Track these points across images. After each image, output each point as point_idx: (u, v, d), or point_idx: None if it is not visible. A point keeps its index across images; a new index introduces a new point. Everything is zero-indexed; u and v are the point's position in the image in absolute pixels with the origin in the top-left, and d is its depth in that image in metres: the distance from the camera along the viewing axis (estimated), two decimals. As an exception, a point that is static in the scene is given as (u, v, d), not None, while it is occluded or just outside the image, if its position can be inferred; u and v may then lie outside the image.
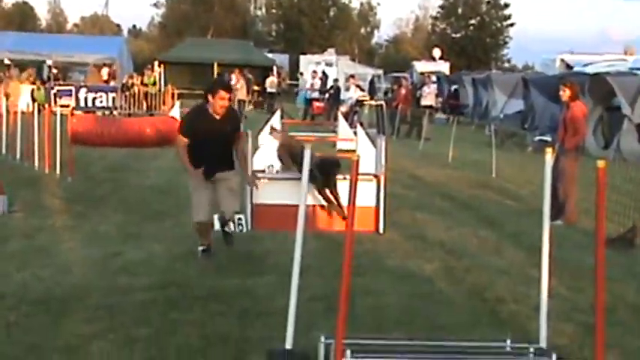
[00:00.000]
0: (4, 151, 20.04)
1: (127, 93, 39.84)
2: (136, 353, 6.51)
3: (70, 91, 37.40)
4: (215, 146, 9.64)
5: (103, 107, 36.81)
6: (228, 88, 10.14)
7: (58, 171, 16.57)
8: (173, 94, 39.81)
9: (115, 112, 35.84)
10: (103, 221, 12.13)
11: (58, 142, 16.91)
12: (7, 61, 44.53)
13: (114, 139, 23.53)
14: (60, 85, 39.66)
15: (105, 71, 42.97)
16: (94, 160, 19.87)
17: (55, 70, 46.03)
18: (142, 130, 24.93)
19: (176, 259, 9.85)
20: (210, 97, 9.62)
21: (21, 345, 6.57)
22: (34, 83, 38.89)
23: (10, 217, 12.18)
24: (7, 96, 29.56)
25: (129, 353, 6.51)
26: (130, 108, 38.17)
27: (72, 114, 19.76)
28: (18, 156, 18.95)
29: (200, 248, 9.95)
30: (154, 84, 41.15)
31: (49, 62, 47.03)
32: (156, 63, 47.87)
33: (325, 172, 11.48)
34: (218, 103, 9.58)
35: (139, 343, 6.75)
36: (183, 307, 7.83)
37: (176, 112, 29.78)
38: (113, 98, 37.26)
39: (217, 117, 9.61)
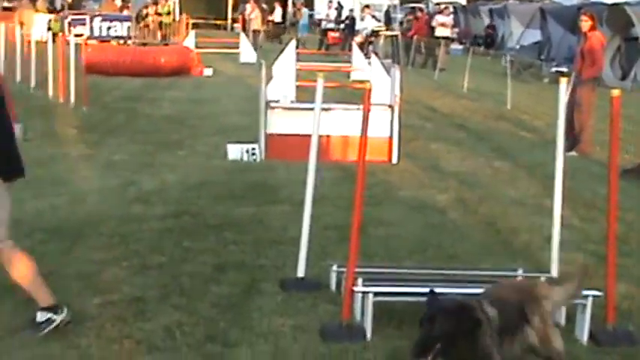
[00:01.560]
0: (18, 79, 20.01)
1: (142, 22, 39.63)
2: (150, 280, 6.56)
3: (84, 19, 37.13)
4: None
5: (117, 37, 36.61)
6: None
7: (72, 100, 16.55)
8: (187, 24, 39.59)
9: (129, 42, 35.65)
10: (117, 150, 12.15)
11: (73, 72, 16.86)
12: (21, -11, 44.24)
13: (128, 69, 23.57)
14: (74, 13, 39.43)
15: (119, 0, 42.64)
16: (109, 90, 19.84)
17: (69, -1, 45.75)
18: (157, 59, 24.95)
19: (190, 189, 9.87)
20: None
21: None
22: (51, 12, 38.67)
23: (25, 145, 12.19)
24: (21, 24, 29.42)
25: (143, 280, 6.56)
26: (144, 37, 37.99)
27: (86, 43, 19.68)
28: (32, 85, 18.92)
29: None
30: (169, 13, 40.89)
31: (63, -9, 46.71)
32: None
33: None
34: None
35: (152, 271, 6.80)
36: (197, 235, 7.87)
37: (190, 42, 29.75)
38: (128, 27, 37.03)
39: None
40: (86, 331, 5.55)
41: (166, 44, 34.29)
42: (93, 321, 5.73)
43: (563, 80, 6.49)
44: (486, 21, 43.78)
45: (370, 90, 5.94)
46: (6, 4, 42.89)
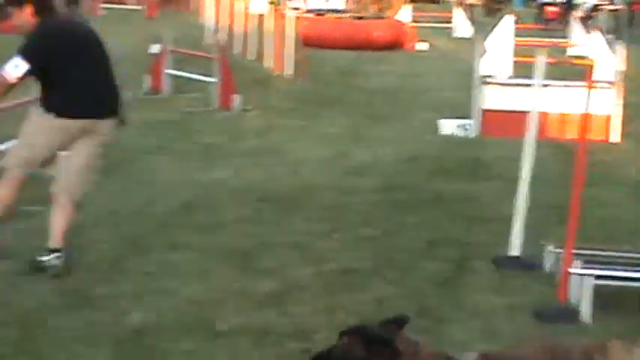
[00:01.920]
0: (236, 51, 20.60)
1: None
2: (362, 253, 6.61)
3: (306, -7, 37.74)
4: None
5: (333, 10, 37.01)
6: None
7: (288, 72, 16.89)
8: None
9: (344, 15, 35.98)
10: (331, 123, 12.31)
11: (290, 45, 17.17)
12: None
13: (342, 42, 23.78)
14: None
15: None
16: (323, 63, 20.07)
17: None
18: (370, 33, 25.06)
19: (402, 162, 9.88)
20: None
21: (253, 239, 6.82)
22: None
23: (244, 115, 12.57)
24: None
25: (355, 252, 6.62)
26: (359, 11, 38.22)
27: (302, 17, 19.99)
28: (250, 57, 19.41)
29: None
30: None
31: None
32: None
33: None
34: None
35: (365, 243, 6.85)
36: (409, 209, 7.85)
37: (406, 16, 29.69)
38: (344, 1, 37.35)
39: None
40: (299, 300, 5.66)
41: (380, 17, 34.37)
42: (306, 290, 5.83)
43: None
44: None
45: (592, 67, 5.71)
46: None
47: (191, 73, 14.01)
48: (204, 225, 7.13)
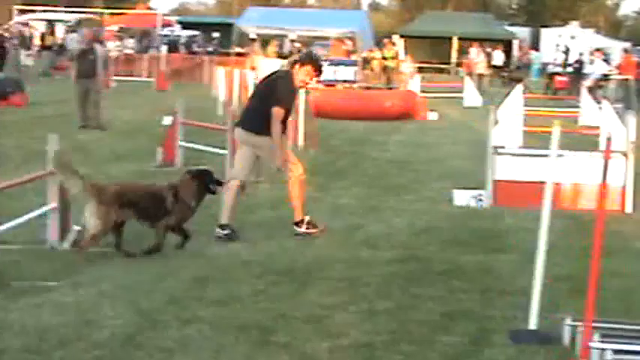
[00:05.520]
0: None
1: (368, 67, 40.24)
2: (378, 326, 6.55)
3: (312, 65, 38.04)
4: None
5: (344, 80, 37.30)
6: (319, 69, 9.73)
7: (300, 143, 16.96)
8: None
9: (354, 86, 36.27)
10: (344, 194, 12.32)
11: (301, 115, 17.27)
12: (253, 36, 45.96)
13: (354, 113, 23.93)
14: (302, 59, 40.49)
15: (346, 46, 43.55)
16: (335, 133, 20.21)
17: (297, 45, 47.16)
18: (382, 103, 25.23)
19: (416, 233, 9.86)
20: (298, 67, 9.48)
21: (268, 313, 6.77)
22: (280, 57, 39.95)
23: (256, 187, 12.57)
24: (252, 69, 30.58)
25: (371, 326, 6.56)
26: (368, 82, 38.55)
27: (314, 87, 20.14)
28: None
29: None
30: (394, 58, 41.32)
31: (292, 36, 48.22)
32: (396, 37, 48.02)
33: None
34: (301, 78, 9.49)
35: (380, 316, 6.79)
36: (425, 281, 7.81)
37: (415, 86, 29.93)
38: (355, 72, 37.68)
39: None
40: (316, 376, 5.60)
41: (391, 88, 34.63)
42: (323, 365, 5.78)
43: None
44: None
45: (610, 139, 5.70)
46: (239, 50, 44.73)
47: (203, 145, 14.08)
48: (218, 299, 7.09)
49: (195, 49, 49.47)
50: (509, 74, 43.63)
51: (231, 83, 24.54)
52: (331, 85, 32.54)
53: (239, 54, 43.30)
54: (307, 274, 7.99)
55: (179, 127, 14.31)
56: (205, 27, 55.95)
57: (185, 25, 56.58)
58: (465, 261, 8.62)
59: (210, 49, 49.28)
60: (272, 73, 9.86)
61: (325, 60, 38.37)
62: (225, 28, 52.92)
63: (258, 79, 23.30)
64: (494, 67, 45.63)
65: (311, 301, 7.15)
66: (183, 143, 14.31)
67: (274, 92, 9.27)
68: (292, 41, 47.80)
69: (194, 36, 52.99)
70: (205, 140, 14.31)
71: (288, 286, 7.56)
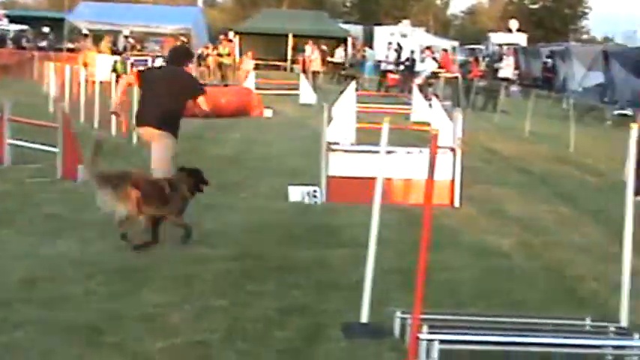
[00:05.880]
0: (82, 119, 20.25)
1: (202, 63, 40.07)
2: (213, 324, 6.53)
3: (147, 61, 37.69)
4: None
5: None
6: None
7: (135, 140, 16.69)
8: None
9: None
10: (179, 191, 12.18)
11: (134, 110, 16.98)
12: (85, 31, 45.03)
13: (189, 109, 23.69)
14: (136, 55, 40.03)
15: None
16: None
17: (131, 40, 46.50)
18: (217, 100, 25.10)
19: (251, 230, 9.88)
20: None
21: (100, 313, 6.64)
22: (114, 53, 39.30)
23: (89, 186, 12.29)
24: (85, 65, 29.95)
25: (206, 324, 6.54)
26: (204, 78, 38.39)
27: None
28: (95, 124, 19.13)
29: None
30: (229, 54, 41.28)
31: (126, 32, 47.52)
32: (231, 34, 47.96)
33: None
34: None
35: (215, 314, 6.78)
36: (259, 278, 7.84)
37: (250, 83, 29.97)
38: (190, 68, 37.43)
39: None
40: (149, 375, 5.53)
41: (226, 85, 34.57)
42: (156, 365, 5.71)
43: (634, 125, 6.38)
44: (546, 62, 43.46)
45: (437, 134, 5.86)
46: (69, 46, 43.74)
47: (34, 143, 13.64)
48: (48, 300, 6.90)
49: (25, 44, 47.98)
50: (344, 72, 44.37)
51: (62, 80, 23.91)
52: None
53: (71, 49, 42.29)
54: (141, 272, 7.88)
55: (6, 124, 13.78)
56: (36, 21, 54.35)
57: (13, 19, 54.71)
58: (299, 256, 8.70)
59: (43, 44, 47.90)
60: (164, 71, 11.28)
61: (159, 56, 38.09)
62: (57, 23, 51.66)
63: (91, 75, 22.93)
64: (335, 64, 46.29)
65: (144, 300, 7.06)
66: (11, 141, 13.81)
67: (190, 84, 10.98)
68: (126, 37, 47.09)
69: (23, 30, 51.40)
70: (35, 138, 13.86)
71: (121, 286, 7.43)
